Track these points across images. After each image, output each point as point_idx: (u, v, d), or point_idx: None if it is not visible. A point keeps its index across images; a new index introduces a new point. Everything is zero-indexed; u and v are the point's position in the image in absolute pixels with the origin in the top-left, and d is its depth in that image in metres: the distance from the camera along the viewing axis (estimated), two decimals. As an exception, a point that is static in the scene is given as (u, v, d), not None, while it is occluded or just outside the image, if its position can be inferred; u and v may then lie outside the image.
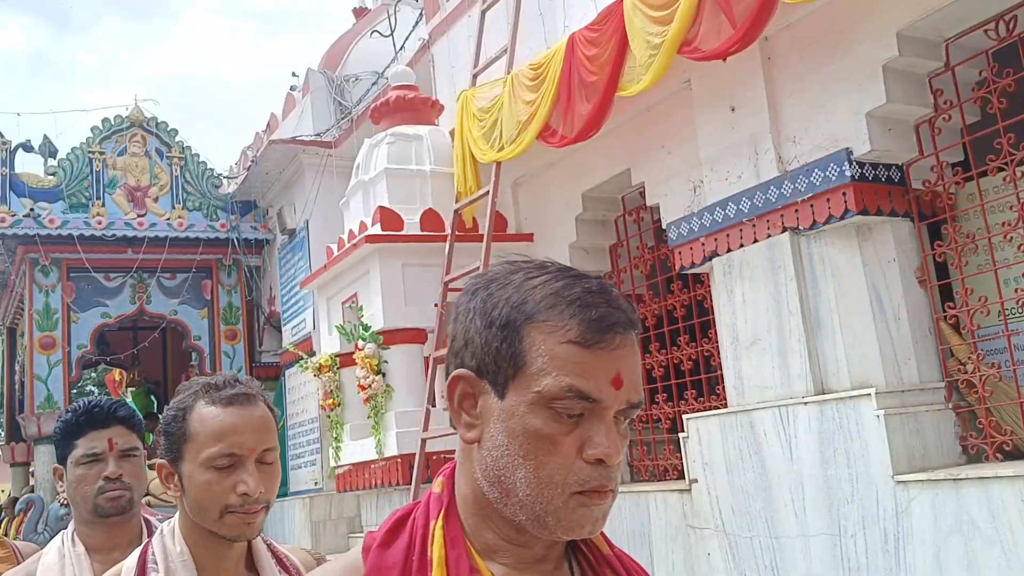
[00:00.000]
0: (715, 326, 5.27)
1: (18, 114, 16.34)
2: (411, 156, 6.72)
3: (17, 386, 12.13)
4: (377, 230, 6.31)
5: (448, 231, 6.44)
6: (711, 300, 5.29)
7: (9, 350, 12.59)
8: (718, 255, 5.08)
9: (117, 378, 15.96)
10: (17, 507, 8.85)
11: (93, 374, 18.41)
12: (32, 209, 10.11)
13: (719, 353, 5.24)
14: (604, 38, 5.07)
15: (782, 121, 4.70)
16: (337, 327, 6.69)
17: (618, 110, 5.51)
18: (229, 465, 1.55)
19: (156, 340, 12.26)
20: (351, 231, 6.72)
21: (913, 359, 4.32)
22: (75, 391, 18.51)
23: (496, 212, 6.57)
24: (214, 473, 1.55)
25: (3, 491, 15.84)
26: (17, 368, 12.04)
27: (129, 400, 15.73)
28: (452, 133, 6.71)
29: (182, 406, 1.61)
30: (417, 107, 7.05)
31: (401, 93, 7.04)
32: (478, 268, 5.98)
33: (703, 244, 5.18)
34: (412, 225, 6.46)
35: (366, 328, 6.21)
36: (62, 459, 2.10)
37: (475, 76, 6.61)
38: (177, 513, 1.63)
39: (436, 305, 6.22)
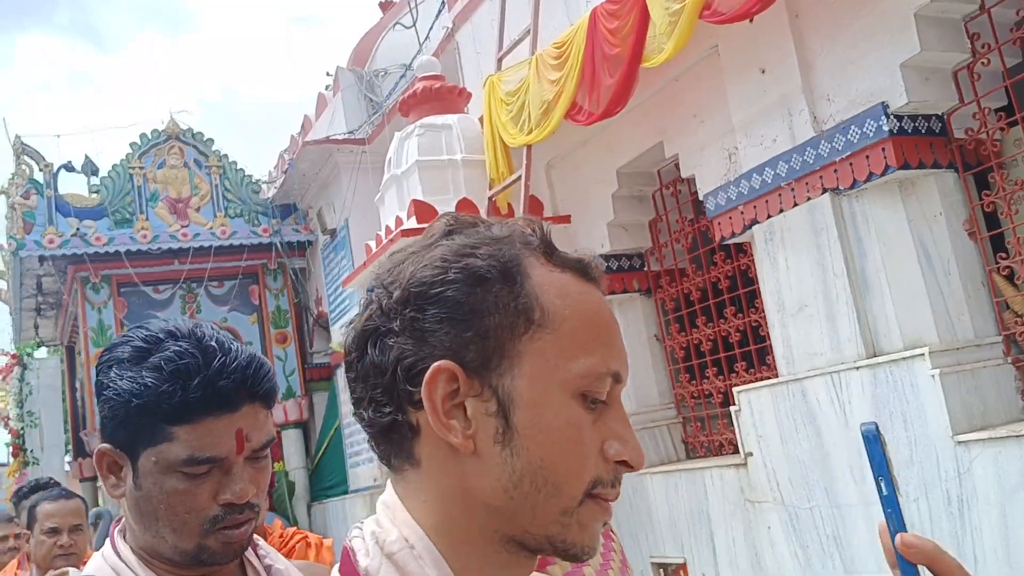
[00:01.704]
0: (761, 295, 5.16)
1: (58, 136, 16.66)
2: (441, 146, 6.68)
3: (79, 403, 12.42)
4: (412, 224, 6.29)
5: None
6: (755, 269, 5.18)
7: (70, 368, 12.89)
8: (758, 223, 4.96)
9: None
10: (90, 520, 9.08)
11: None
12: (78, 228, 10.29)
13: (767, 322, 5.13)
14: (625, 9, 4.97)
15: (814, 80, 4.56)
16: (380, 323, 6.71)
17: (647, 82, 5.41)
18: None
19: (210, 348, 12.45)
20: (387, 227, 6.71)
21: (967, 314, 4.17)
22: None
23: (531, 196, 6.51)
24: None
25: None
26: (77, 386, 12.32)
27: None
28: (481, 120, 6.65)
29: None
30: (444, 96, 7.00)
31: (427, 84, 7.00)
32: (515, 254, 5.93)
33: (742, 213, 5.06)
34: (447, 216, 6.42)
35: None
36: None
37: (500, 60, 6.55)
38: None
39: (476, 294, 6.19)
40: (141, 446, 1.17)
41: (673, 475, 5.75)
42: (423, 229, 6.53)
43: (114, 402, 1.17)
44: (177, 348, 1.16)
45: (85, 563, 2.71)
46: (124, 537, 1.26)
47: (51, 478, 3.73)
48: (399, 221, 6.48)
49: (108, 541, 1.27)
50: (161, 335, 1.19)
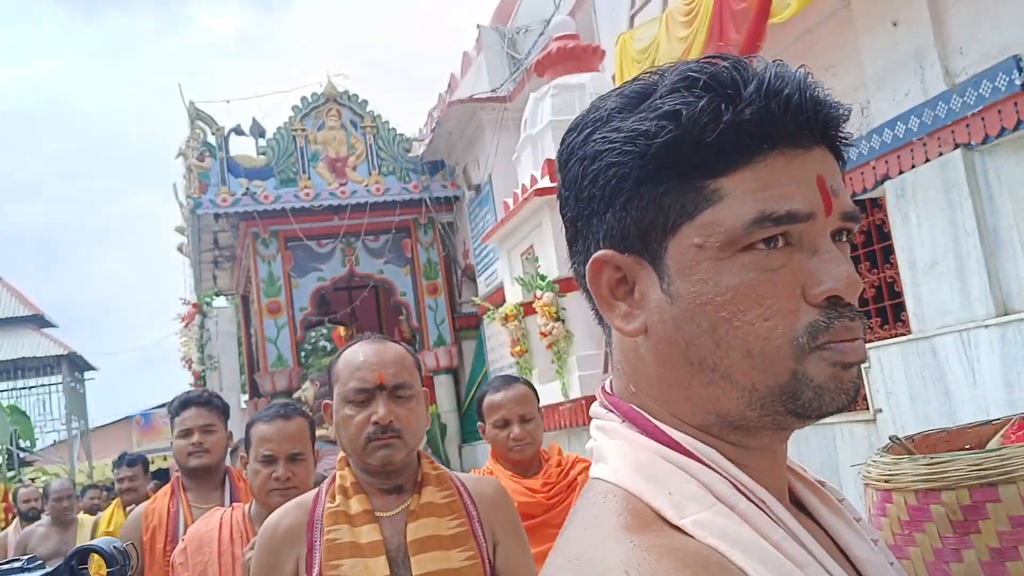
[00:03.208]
0: (895, 252, 5.10)
1: (228, 101, 17.60)
2: (575, 105, 6.84)
3: (254, 348, 13.48)
4: (546, 183, 6.52)
5: (616, 177, 6.56)
6: (889, 224, 5.12)
7: (245, 316, 13.97)
8: (890, 178, 4.89)
9: (342, 334, 17.32)
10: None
11: (323, 331, 19.92)
12: (248, 188, 11.10)
13: (900, 279, 5.07)
14: (751, -33, 4.96)
15: (947, 33, 4.44)
16: (516, 278, 7.00)
17: (779, 36, 5.38)
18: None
19: (368, 298, 13.19)
20: (523, 185, 6.97)
21: (1104, 273, 4.03)
22: (308, 347, 20.20)
23: (663, 152, 6.59)
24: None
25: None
26: (252, 332, 13.36)
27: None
28: (614, 78, 6.76)
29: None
30: (579, 56, 7.13)
31: (562, 43, 7.15)
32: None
33: (874, 168, 5.00)
34: (580, 174, 6.61)
35: (543, 278, 6.47)
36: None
37: (632, 17, 6.61)
38: None
39: (608, 250, 6.38)
40: (671, 225, 0.70)
41: (804, 430, 5.78)
42: (556, 189, 6.79)
43: (611, 166, 0.71)
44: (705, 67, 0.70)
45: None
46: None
47: (205, 390, 3.50)
48: (533, 180, 6.72)
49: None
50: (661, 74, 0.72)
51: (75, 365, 21.45)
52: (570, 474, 2.85)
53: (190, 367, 14.54)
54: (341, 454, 1.85)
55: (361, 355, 1.82)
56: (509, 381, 2.89)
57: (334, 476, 1.83)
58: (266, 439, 2.41)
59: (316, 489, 1.85)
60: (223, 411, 3.17)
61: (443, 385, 11.62)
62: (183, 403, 3.12)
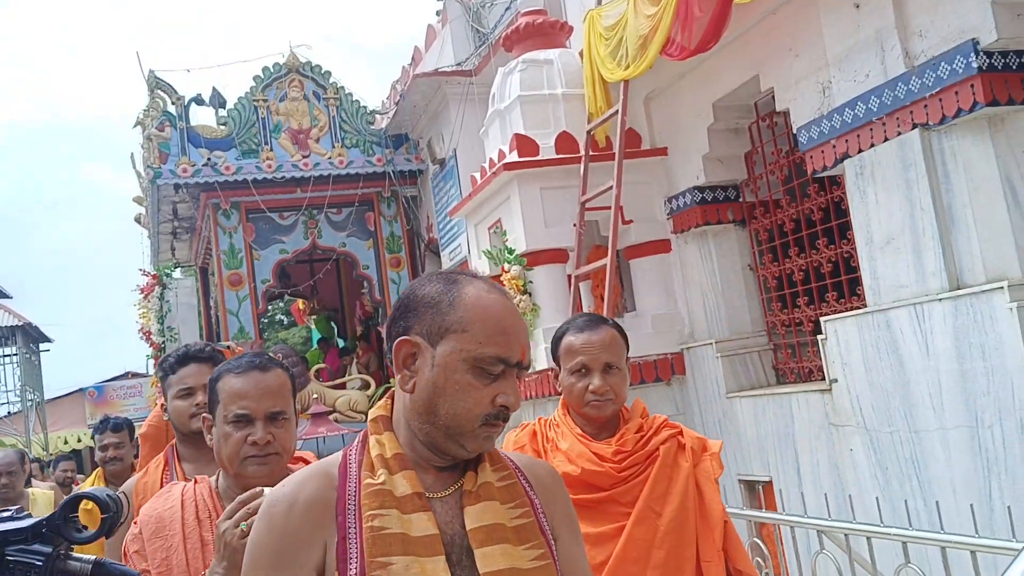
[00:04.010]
0: (852, 228, 5.27)
1: (188, 70, 17.43)
2: (543, 81, 6.92)
3: (213, 320, 13.41)
4: (514, 157, 6.59)
5: (582, 152, 6.65)
6: (847, 202, 5.29)
7: (204, 288, 13.87)
8: (849, 156, 5.06)
9: (301, 307, 17.24)
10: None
11: (280, 304, 19.82)
12: (209, 158, 10.99)
13: (857, 254, 5.25)
14: (719, -53, 5.05)
15: (907, 15, 4.59)
16: (484, 252, 7.08)
17: (744, 16, 5.50)
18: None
19: (330, 271, 13.17)
20: (491, 159, 7.03)
21: (1051, 250, 4.23)
22: (265, 321, 20.12)
23: (629, 129, 6.70)
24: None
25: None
26: (212, 304, 13.28)
27: (312, 326, 17.03)
28: (581, 54, 6.84)
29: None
30: (546, 31, 7.20)
31: (530, 19, 7.20)
32: (611, 187, 6.18)
33: (834, 146, 5.16)
34: (547, 149, 6.70)
35: (510, 251, 6.56)
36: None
37: (600, -5, 6.68)
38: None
39: (575, 225, 6.48)
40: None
41: (761, 399, 6.00)
42: (525, 163, 6.82)
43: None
44: None
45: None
46: None
47: (208, 343, 2.96)
48: (502, 154, 6.79)
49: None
50: None
51: (30, 336, 21.11)
52: (651, 442, 2.40)
53: (148, 339, 14.40)
54: (378, 413, 1.51)
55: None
56: (595, 321, 2.44)
57: (363, 440, 1.48)
58: (239, 395, 1.99)
59: (334, 456, 1.49)
60: None
61: (405, 358, 11.69)
62: (182, 358, 2.72)
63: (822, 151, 5.27)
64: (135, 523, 2.07)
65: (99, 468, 4.67)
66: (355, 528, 1.35)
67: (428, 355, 1.39)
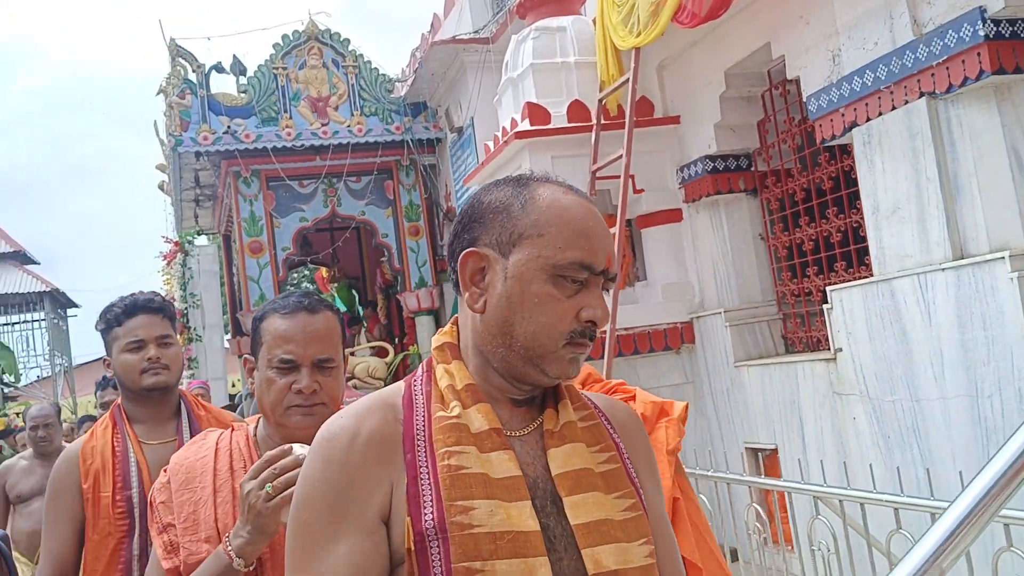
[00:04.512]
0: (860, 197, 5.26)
1: (208, 38, 17.52)
2: (555, 49, 6.90)
3: (236, 287, 13.57)
4: (526, 126, 6.61)
5: (593, 121, 6.65)
6: (856, 170, 5.27)
7: (227, 255, 14.03)
8: (858, 125, 5.04)
9: (325, 275, 17.39)
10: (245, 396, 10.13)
11: (305, 272, 19.97)
12: (229, 126, 11.08)
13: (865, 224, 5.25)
14: (728, -87, 5.02)
15: (916, -19, 4.55)
16: (495, 219, 7.13)
17: (755, -17, 5.47)
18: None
19: (350, 239, 13.26)
20: (504, 128, 7.05)
21: (1055, 220, 4.21)
22: (290, 287, 20.39)
23: (641, 97, 6.69)
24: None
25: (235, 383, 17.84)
26: (234, 271, 13.44)
27: (334, 294, 17.19)
28: (594, 21, 6.82)
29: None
30: (560, -2, 7.17)
31: (544, -15, 7.18)
32: (621, 155, 6.19)
33: (843, 115, 5.14)
34: (559, 118, 6.70)
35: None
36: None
37: (614, -39, 6.64)
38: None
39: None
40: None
41: (768, 368, 6.03)
42: (536, 131, 6.82)
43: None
44: None
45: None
46: None
47: (154, 292, 2.66)
48: (514, 123, 6.80)
49: None
50: None
51: (57, 302, 21.47)
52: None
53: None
54: (448, 333, 1.33)
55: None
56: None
57: (428, 368, 1.30)
58: (284, 338, 1.81)
59: (395, 387, 1.31)
60: (174, 321, 2.60)
61: (424, 326, 11.78)
62: (129, 309, 2.49)
63: (831, 120, 5.25)
64: (164, 471, 1.88)
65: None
66: (427, 467, 1.16)
67: (500, 267, 1.22)
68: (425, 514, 1.13)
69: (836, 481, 4.49)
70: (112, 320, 2.49)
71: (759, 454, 6.17)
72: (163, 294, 2.56)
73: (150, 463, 2.37)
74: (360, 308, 15.01)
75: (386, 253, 12.22)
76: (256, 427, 1.92)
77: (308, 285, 24.94)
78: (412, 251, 11.95)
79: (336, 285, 16.49)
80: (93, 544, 2.30)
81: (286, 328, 1.82)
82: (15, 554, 5.10)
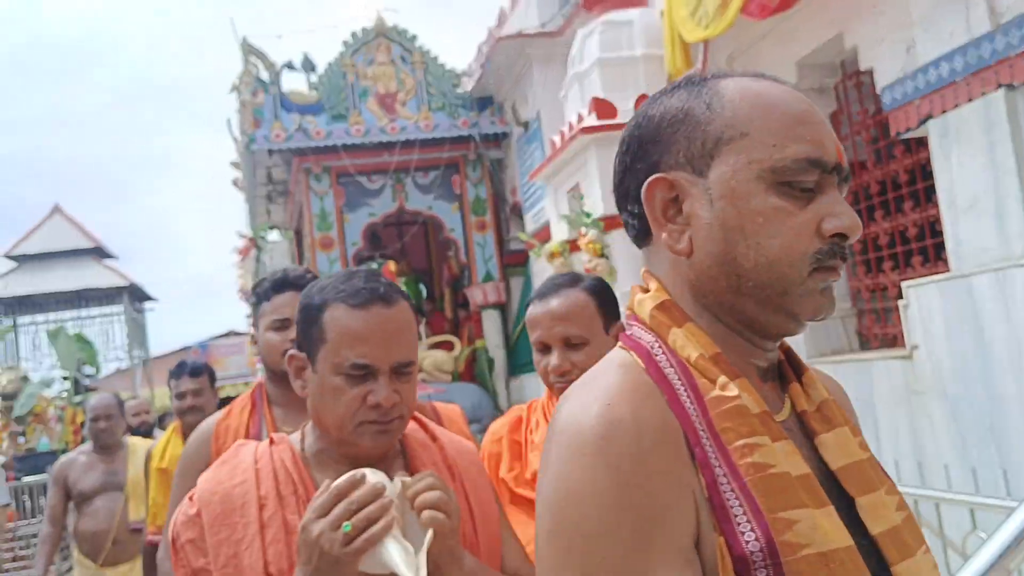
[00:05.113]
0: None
1: (279, 36, 17.81)
2: (622, 42, 6.89)
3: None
4: (592, 121, 6.61)
5: (661, 114, 6.61)
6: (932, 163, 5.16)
7: (299, 250, 14.33)
8: (933, 117, 4.92)
9: (393, 269, 17.66)
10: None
11: (373, 266, 20.23)
12: (300, 123, 11.31)
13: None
14: (799, -96, 4.94)
15: (995, -31, 4.42)
16: (563, 217, 7.15)
17: (827, -28, 5.38)
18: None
19: (417, 234, 13.43)
20: (570, 123, 7.06)
21: None
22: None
23: (709, 90, 6.63)
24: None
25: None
26: (305, 266, 13.73)
27: (402, 288, 17.44)
28: (662, 14, 6.78)
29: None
30: (627, -9, 7.15)
31: (611, -22, 7.16)
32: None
33: (918, 107, 5.03)
34: (626, 112, 6.69)
35: (588, 215, 6.62)
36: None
37: (681, -46, 6.59)
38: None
39: (653, 188, 6.47)
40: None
41: (842, 365, 5.93)
42: (603, 127, 6.82)
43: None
44: None
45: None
46: None
47: (308, 270, 2.42)
48: (580, 118, 6.81)
49: None
50: None
51: (135, 296, 22.18)
52: None
53: (247, 299, 14.99)
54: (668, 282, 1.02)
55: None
56: (554, 287, 2.17)
57: (657, 337, 0.98)
58: (359, 338, 1.42)
59: (618, 356, 0.99)
60: None
61: (491, 320, 11.88)
62: (278, 284, 2.29)
63: (906, 112, 5.13)
64: (190, 500, 1.47)
65: (176, 421, 4.16)
66: (722, 467, 0.86)
67: (700, 190, 0.95)
68: (743, 532, 0.83)
69: (911, 480, 4.42)
70: (261, 295, 2.32)
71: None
72: (307, 272, 2.35)
73: None
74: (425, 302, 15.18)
75: (453, 248, 12.35)
76: (302, 439, 1.53)
77: (376, 279, 25.31)
78: (479, 245, 12.05)
79: (403, 279, 16.72)
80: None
81: (360, 325, 1.42)
82: (77, 556, 4.92)
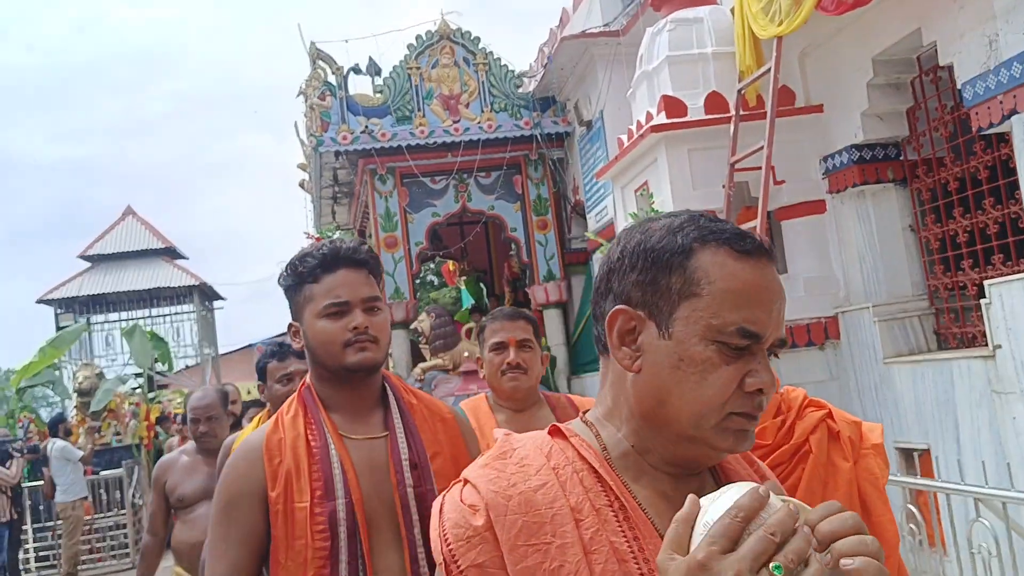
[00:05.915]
0: (1020, 187, 5.03)
1: (346, 41, 18.09)
2: (692, 40, 6.84)
3: (371, 281, 14.00)
4: (662, 119, 6.58)
5: (732, 112, 6.56)
6: (1016, 160, 5.03)
7: (362, 250, 14.50)
8: (1017, 112, 4.81)
9: (452, 268, 17.75)
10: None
11: (431, 265, 20.40)
12: (366, 126, 11.45)
13: (1025, 215, 5.01)
14: None
15: (1086, -41, 4.30)
16: (630, 214, 7.13)
17: (906, -33, 5.28)
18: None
19: (479, 233, 13.49)
20: (638, 122, 7.04)
21: None
22: (417, 281, 20.98)
23: (783, 86, 6.56)
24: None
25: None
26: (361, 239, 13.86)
27: (462, 287, 17.51)
28: (732, 11, 6.72)
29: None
30: (696, -11, 7.10)
31: (679, -23, 7.12)
32: (762, 147, 6.09)
33: (1001, 102, 4.91)
34: (696, 110, 6.65)
35: (657, 214, 6.58)
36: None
37: (752, -50, 6.53)
38: None
39: (723, 186, 6.43)
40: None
41: (920, 365, 5.83)
42: (672, 124, 6.78)
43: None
44: None
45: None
46: None
47: (363, 240, 2.25)
48: (649, 116, 6.79)
49: None
50: None
51: (205, 295, 22.71)
52: (795, 429, 1.74)
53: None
54: None
55: None
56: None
57: None
58: (750, 298, 1.06)
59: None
60: (381, 279, 2.08)
61: (553, 319, 11.89)
62: (329, 261, 1.88)
63: (988, 107, 5.02)
64: (469, 506, 1.04)
65: (264, 408, 3.75)
66: None
67: (654, 329, 1.06)
68: None
69: (994, 482, 4.32)
70: (306, 274, 1.90)
71: (913, 454, 5.98)
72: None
73: (356, 465, 1.80)
74: (486, 301, 15.25)
75: (514, 247, 12.38)
76: (594, 434, 1.14)
77: (434, 278, 25.52)
78: (540, 245, 12.07)
79: (464, 279, 16.81)
80: (284, 572, 1.72)
81: (751, 279, 1.09)
82: (177, 569, 4.37)
